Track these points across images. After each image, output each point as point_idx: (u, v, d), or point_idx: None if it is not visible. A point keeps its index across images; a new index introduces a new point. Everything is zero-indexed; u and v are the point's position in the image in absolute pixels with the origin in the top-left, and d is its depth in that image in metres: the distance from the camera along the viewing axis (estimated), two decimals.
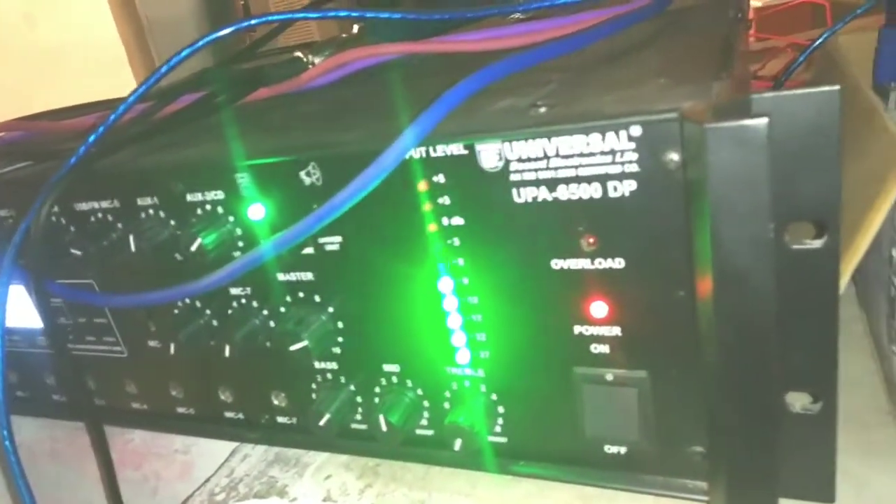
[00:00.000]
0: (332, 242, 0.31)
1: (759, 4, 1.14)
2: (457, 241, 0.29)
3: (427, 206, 0.28)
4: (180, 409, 0.41)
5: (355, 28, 0.47)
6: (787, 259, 0.23)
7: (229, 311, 0.35)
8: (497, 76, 0.29)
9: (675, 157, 0.23)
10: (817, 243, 0.23)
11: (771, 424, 0.24)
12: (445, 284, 0.30)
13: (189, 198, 0.33)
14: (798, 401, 0.25)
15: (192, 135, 0.38)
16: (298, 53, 0.45)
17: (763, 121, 0.20)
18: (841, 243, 0.23)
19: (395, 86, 0.40)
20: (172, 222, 0.34)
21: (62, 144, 0.44)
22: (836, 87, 0.21)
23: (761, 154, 0.20)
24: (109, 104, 0.60)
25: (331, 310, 0.33)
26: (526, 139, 0.25)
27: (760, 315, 0.22)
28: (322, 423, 0.34)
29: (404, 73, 0.43)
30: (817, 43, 0.50)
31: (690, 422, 0.27)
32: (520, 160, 0.26)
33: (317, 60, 0.45)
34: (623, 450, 0.29)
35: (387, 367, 0.33)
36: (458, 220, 0.28)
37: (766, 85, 0.89)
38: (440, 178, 0.28)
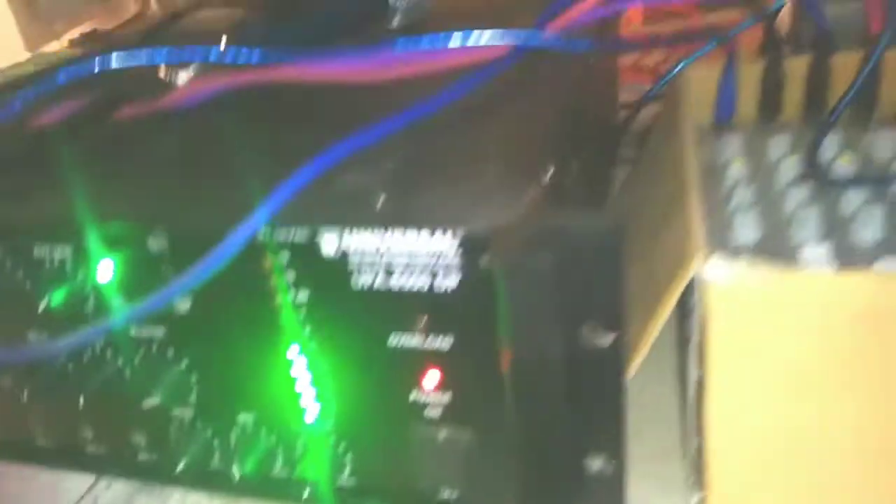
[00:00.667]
0: (183, 305, 0.32)
1: None
2: (303, 313, 0.30)
3: (273, 280, 0.30)
4: (39, 442, 0.41)
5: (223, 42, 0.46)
6: (581, 353, 0.27)
7: (83, 361, 0.36)
8: (346, 153, 0.31)
9: (487, 258, 0.26)
10: (605, 341, 0.26)
11: (565, 483, 0.28)
12: (293, 351, 0.31)
13: (36, 252, 0.33)
14: (593, 463, 0.29)
15: (43, 170, 0.37)
16: (161, 71, 0.44)
17: (546, 258, 0.23)
18: (628, 338, 0.27)
19: (253, 128, 0.40)
20: (21, 275, 0.34)
21: None
22: (618, 225, 0.24)
23: (546, 282, 0.23)
24: None
25: (184, 364, 0.34)
26: (363, 232, 0.27)
27: (551, 398, 0.26)
28: (179, 467, 0.35)
29: (266, 103, 0.43)
30: (666, 78, 0.53)
31: (506, 477, 0.31)
32: (357, 251, 0.28)
33: (181, 78, 0.44)
34: (451, 499, 0.33)
35: (241, 418, 0.35)
36: (302, 295, 0.30)
37: (647, 79, 0.91)
38: (285, 256, 0.29)
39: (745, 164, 0.41)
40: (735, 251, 0.34)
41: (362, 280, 0.28)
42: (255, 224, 0.28)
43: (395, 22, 0.52)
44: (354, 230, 0.28)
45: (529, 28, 0.42)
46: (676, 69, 0.49)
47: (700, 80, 0.50)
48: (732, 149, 0.46)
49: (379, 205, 0.28)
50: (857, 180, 0.38)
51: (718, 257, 0.29)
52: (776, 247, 0.35)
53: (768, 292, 0.28)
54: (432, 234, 0.26)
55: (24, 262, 0.34)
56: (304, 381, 0.32)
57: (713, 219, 0.37)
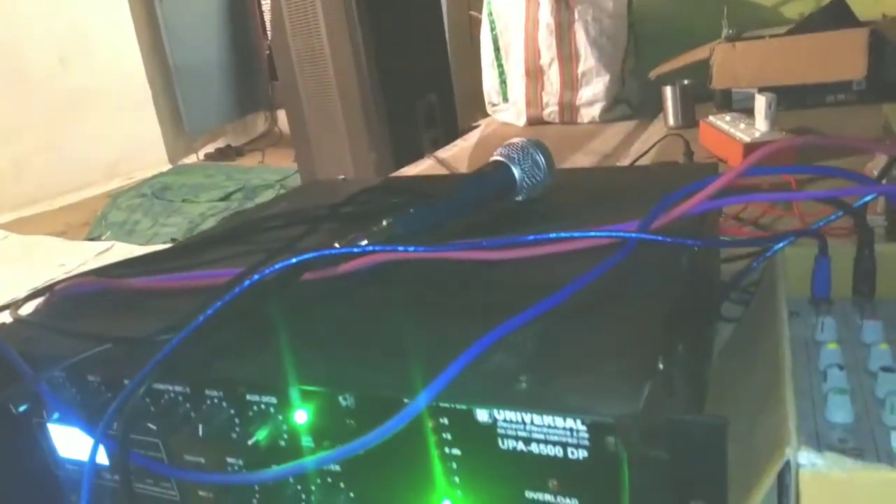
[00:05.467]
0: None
1: (747, 140, 1.26)
2: (454, 466, 0.38)
3: (434, 438, 0.38)
4: None
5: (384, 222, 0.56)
6: None
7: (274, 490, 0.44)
8: (494, 340, 0.39)
9: (613, 441, 0.33)
10: None
11: None
12: (446, 499, 0.39)
13: (248, 397, 0.43)
14: None
15: (250, 331, 0.48)
16: (336, 244, 0.54)
17: (662, 447, 0.29)
18: None
19: (412, 299, 0.49)
20: (233, 413, 0.44)
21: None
22: (722, 423, 0.30)
23: (661, 466, 0.30)
24: (180, 253, 0.69)
25: (352, 495, 0.42)
26: (510, 409, 0.35)
27: None
28: None
29: (423, 276, 0.53)
30: (760, 260, 0.58)
31: None
32: (505, 420, 0.35)
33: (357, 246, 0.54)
34: None
35: None
36: (456, 452, 0.38)
37: (746, 232, 0.97)
38: (444, 420, 0.37)
39: (840, 350, 0.46)
40: (827, 433, 0.39)
41: (507, 443, 0.36)
42: (422, 402, 0.36)
43: (520, 196, 0.62)
44: (503, 408, 0.35)
45: (640, 220, 0.50)
46: (770, 252, 0.55)
47: (797, 257, 0.56)
48: (829, 333, 0.50)
49: (523, 385, 0.36)
50: None
51: (809, 447, 0.34)
52: (867, 430, 0.39)
53: (854, 482, 0.33)
54: (565, 419, 0.34)
55: (237, 405, 0.43)
56: None
57: (808, 399, 0.42)
